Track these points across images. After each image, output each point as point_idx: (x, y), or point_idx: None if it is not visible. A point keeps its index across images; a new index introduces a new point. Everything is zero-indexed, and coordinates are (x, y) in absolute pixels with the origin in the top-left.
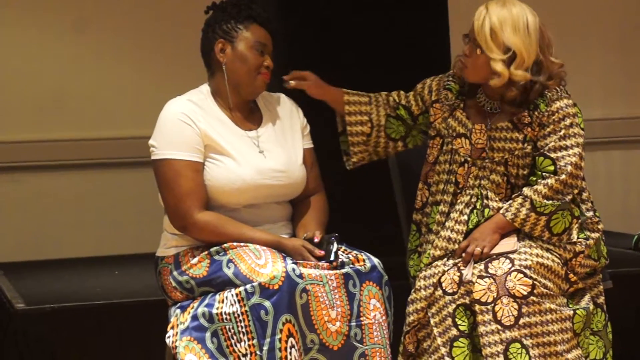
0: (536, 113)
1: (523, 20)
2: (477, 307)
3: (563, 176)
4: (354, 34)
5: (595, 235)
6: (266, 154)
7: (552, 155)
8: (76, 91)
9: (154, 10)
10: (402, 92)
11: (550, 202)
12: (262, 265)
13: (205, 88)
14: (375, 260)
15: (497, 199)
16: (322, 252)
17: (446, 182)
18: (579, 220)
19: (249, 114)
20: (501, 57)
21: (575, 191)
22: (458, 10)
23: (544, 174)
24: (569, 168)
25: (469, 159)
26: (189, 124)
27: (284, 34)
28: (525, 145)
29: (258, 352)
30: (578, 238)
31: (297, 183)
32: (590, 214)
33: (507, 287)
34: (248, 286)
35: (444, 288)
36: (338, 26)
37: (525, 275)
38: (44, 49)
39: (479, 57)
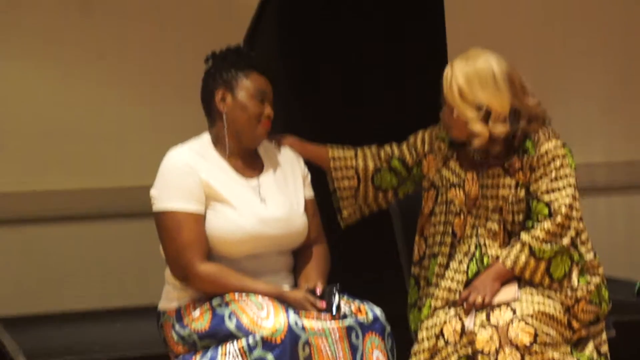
0: (526, 157)
1: (490, 73)
2: (479, 358)
3: (558, 218)
4: (351, 71)
5: (596, 279)
6: (268, 203)
7: (546, 198)
8: (78, 141)
9: (154, 59)
10: (394, 144)
11: (549, 246)
12: (264, 317)
13: (206, 137)
14: (378, 311)
15: (495, 246)
16: (324, 304)
17: (443, 233)
18: (579, 265)
19: (250, 162)
20: (476, 115)
21: (572, 232)
22: (457, 41)
23: (539, 217)
24: (564, 209)
25: (464, 208)
26: (191, 174)
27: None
28: (518, 190)
29: None
30: (579, 283)
31: (299, 232)
32: (590, 255)
33: (510, 336)
34: (250, 339)
35: (446, 338)
36: (334, 69)
37: (528, 323)
38: (46, 99)
39: (456, 119)
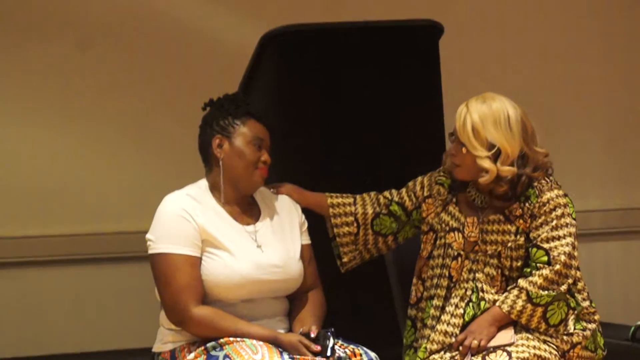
0: (527, 204)
1: (504, 115)
2: None
3: (557, 266)
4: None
5: (592, 326)
6: (264, 249)
7: (545, 246)
8: (73, 186)
9: (153, 104)
10: (393, 190)
11: (546, 292)
12: None
13: (203, 183)
14: (372, 355)
15: (492, 291)
16: (319, 348)
17: (440, 276)
18: (575, 311)
19: (246, 209)
20: (486, 154)
21: (570, 281)
22: (453, 97)
23: (537, 264)
24: (563, 258)
25: (462, 252)
26: (187, 218)
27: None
28: (518, 237)
29: None
30: (575, 329)
31: (295, 278)
32: (586, 304)
33: None
34: None
35: None
36: (331, 113)
37: None
38: (42, 143)
39: (466, 155)
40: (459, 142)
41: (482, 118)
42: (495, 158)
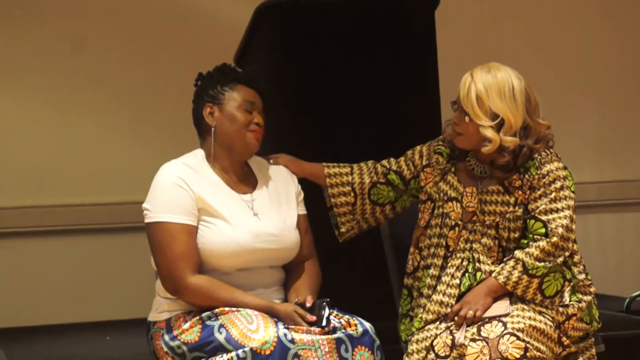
0: (527, 176)
1: (509, 86)
2: None
3: (554, 238)
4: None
5: (588, 298)
6: (260, 217)
7: (543, 217)
8: (69, 157)
9: (149, 77)
10: (392, 159)
11: (542, 264)
12: (254, 330)
13: (199, 152)
14: (367, 325)
15: (489, 262)
16: (314, 317)
17: (437, 245)
18: (571, 283)
19: (243, 178)
20: (489, 124)
21: (567, 254)
22: (449, 72)
23: (535, 236)
24: (560, 230)
25: (459, 222)
26: (184, 187)
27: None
28: (516, 208)
29: None
30: (570, 301)
31: (291, 247)
32: (582, 276)
33: (500, 350)
34: (240, 351)
35: (436, 352)
36: (325, 88)
37: (518, 338)
38: (40, 114)
39: (468, 124)
40: (462, 111)
41: (487, 87)
42: (498, 128)
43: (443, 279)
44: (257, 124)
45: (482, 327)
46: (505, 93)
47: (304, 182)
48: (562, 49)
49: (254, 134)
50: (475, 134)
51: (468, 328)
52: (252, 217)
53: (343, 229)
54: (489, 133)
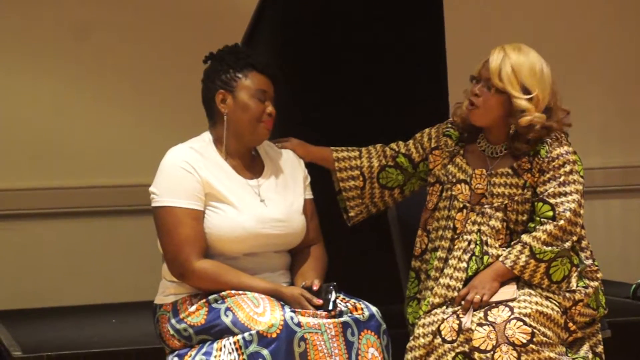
0: (536, 159)
1: (539, 66)
2: (476, 355)
3: (562, 222)
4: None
5: (594, 283)
6: (267, 203)
7: (551, 201)
8: (75, 139)
9: (154, 57)
10: (400, 142)
11: (550, 248)
12: (261, 313)
13: (207, 136)
14: (374, 309)
15: (496, 245)
16: (321, 301)
17: (444, 228)
18: (578, 269)
19: (250, 163)
20: (522, 97)
21: (574, 238)
22: (456, 56)
23: (542, 219)
24: (568, 214)
25: (467, 204)
26: (191, 171)
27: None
28: (525, 191)
29: None
30: (577, 286)
31: (297, 232)
32: (589, 262)
33: (507, 335)
34: (246, 334)
35: (443, 336)
36: (334, 71)
37: (525, 323)
38: (42, 95)
39: (493, 97)
40: (487, 83)
41: (520, 63)
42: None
43: (450, 262)
44: (269, 115)
45: (488, 312)
46: (537, 72)
47: (311, 166)
48: (569, 34)
49: (266, 124)
50: (498, 108)
51: (475, 313)
52: (259, 203)
53: (352, 213)
54: (524, 103)
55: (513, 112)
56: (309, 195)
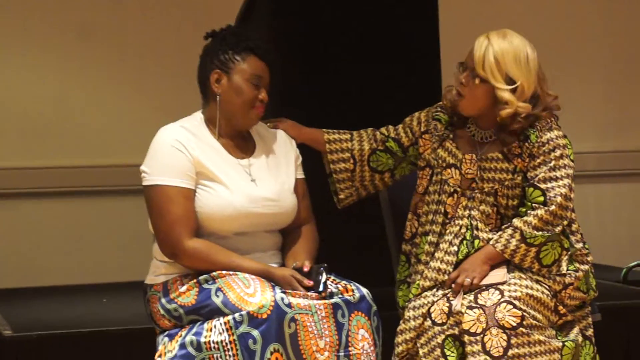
0: (526, 144)
1: (524, 53)
2: (466, 338)
3: (552, 207)
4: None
5: (585, 267)
6: (258, 183)
7: (542, 186)
8: (69, 118)
9: (146, 38)
10: (390, 126)
11: (540, 233)
12: (251, 294)
13: (199, 115)
14: (364, 291)
15: (486, 229)
16: (311, 282)
17: (435, 212)
18: (569, 252)
19: (241, 143)
20: (505, 87)
21: (565, 222)
22: (450, 37)
23: (533, 204)
24: (559, 199)
25: (458, 189)
26: (182, 150)
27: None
28: (515, 176)
29: None
30: (567, 270)
31: (288, 212)
32: (579, 245)
33: (497, 318)
34: (236, 315)
35: (433, 319)
36: (325, 55)
37: (515, 306)
38: (35, 75)
39: (477, 86)
40: (473, 73)
41: (504, 52)
42: (512, 93)
43: (441, 245)
44: (261, 101)
45: (479, 295)
46: (521, 59)
47: (304, 147)
48: (563, 18)
49: (257, 110)
50: (483, 98)
51: (465, 296)
52: (250, 183)
53: (342, 196)
54: (507, 95)
55: (497, 103)
56: (301, 175)
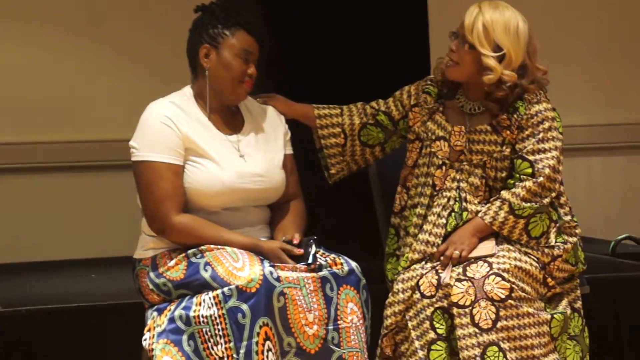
0: (515, 116)
1: (514, 24)
2: (454, 310)
3: (541, 179)
4: (329, 40)
5: (573, 239)
6: (246, 158)
7: (530, 158)
8: (57, 94)
9: (137, 13)
10: (380, 100)
11: (529, 204)
12: (240, 268)
13: (188, 90)
14: (353, 264)
15: (475, 201)
16: (301, 251)
17: (424, 184)
18: (557, 224)
19: (230, 119)
20: (492, 54)
21: (553, 194)
22: (438, 15)
23: (522, 176)
24: (547, 171)
25: (446, 161)
26: (171, 126)
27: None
28: (504, 148)
29: (235, 355)
30: (556, 242)
31: (277, 187)
32: (568, 218)
33: (485, 290)
34: (225, 289)
35: (422, 291)
36: (315, 32)
37: (504, 278)
38: (25, 51)
39: (467, 53)
40: (463, 40)
41: (494, 20)
42: (499, 61)
43: (430, 218)
44: (250, 76)
45: (467, 268)
46: (510, 29)
47: (294, 122)
48: None
49: (246, 85)
50: (472, 64)
51: (454, 268)
52: (238, 159)
53: (333, 170)
54: (492, 62)
55: (483, 70)
56: (289, 151)
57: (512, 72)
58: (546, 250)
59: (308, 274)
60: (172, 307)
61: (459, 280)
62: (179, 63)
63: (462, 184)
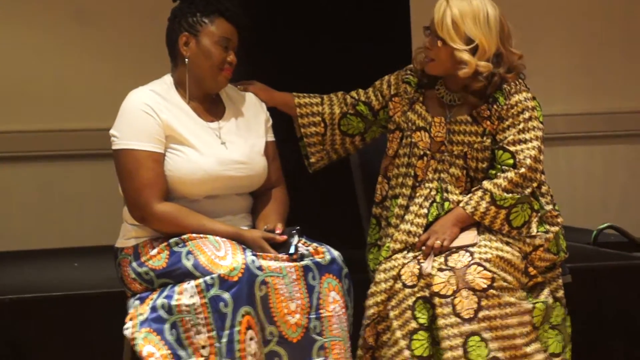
0: (495, 106)
1: (483, 13)
2: (436, 300)
3: (522, 169)
4: (313, 34)
5: (555, 228)
6: (228, 146)
7: (512, 148)
8: (37, 82)
9: (116, 1)
10: (360, 90)
11: (510, 195)
12: (222, 257)
13: (168, 78)
14: (335, 253)
15: (456, 192)
16: (284, 237)
17: (405, 175)
18: (539, 214)
19: (211, 106)
20: (464, 48)
21: (535, 184)
22: (420, 3)
23: (503, 167)
24: (528, 161)
25: (428, 152)
26: (151, 114)
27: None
28: (485, 138)
29: (217, 344)
30: (537, 231)
31: (258, 175)
32: (549, 207)
33: (467, 280)
34: (207, 278)
35: (403, 281)
36: (297, 24)
37: (485, 268)
38: (8, 39)
39: (441, 49)
40: (435, 36)
41: (462, 13)
42: (472, 53)
43: (411, 208)
44: (230, 64)
45: (449, 257)
46: (480, 19)
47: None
48: None
49: (226, 73)
50: (448, 60)
51: (435, 258)
52: (219, 146)
53: (313, 159)
54: (465, 56)
55: (458, 64)
56: (271, 138)
57: (487, 63)
58: (528, 240)
59: (290, 263)
60: (154, 295)
61: (440, 270)
62: (159, 52)
63: (443, 175)
